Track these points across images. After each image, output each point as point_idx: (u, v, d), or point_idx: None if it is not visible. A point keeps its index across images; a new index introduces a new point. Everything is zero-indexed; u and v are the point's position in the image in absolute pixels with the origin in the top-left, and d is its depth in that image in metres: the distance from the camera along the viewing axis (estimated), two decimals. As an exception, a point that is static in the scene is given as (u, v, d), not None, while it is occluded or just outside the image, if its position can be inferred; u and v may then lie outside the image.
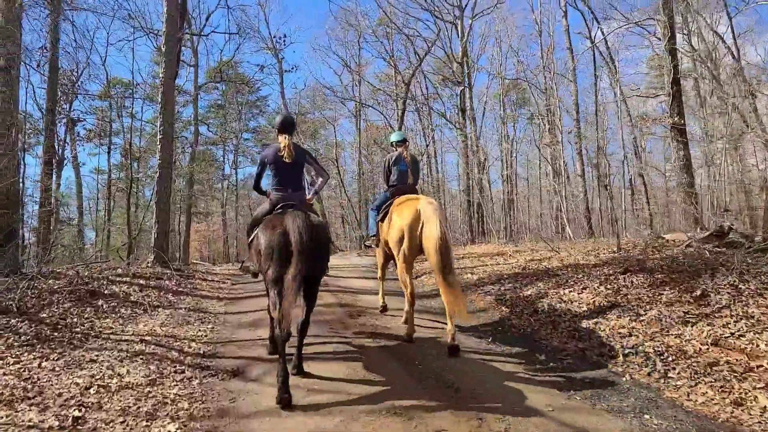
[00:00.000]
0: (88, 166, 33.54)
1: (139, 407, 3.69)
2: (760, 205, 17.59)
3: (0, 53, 7.66)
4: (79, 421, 3.43)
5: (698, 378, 4.01)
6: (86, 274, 8.81)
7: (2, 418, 3.42)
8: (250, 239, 5.09)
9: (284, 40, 29.11)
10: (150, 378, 4.34)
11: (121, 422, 3.43)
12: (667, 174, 30.83)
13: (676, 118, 13.70)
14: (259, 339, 5.71)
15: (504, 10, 28.05)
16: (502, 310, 6.91)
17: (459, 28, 24.50)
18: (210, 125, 34.91)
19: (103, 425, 3.38)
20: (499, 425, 3.34)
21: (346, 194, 33.78)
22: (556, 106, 24.65)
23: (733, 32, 20.59)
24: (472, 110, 25.90)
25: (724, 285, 5.59)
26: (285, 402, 3.75)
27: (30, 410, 3.56)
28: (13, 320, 5.67)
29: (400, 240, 5.60)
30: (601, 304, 6.04)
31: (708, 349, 4.45)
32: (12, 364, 4.50)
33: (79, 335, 5.56)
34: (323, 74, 73.66)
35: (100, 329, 5.93)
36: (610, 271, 7.23)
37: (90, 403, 3.73)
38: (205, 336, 5.97)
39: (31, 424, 3.36)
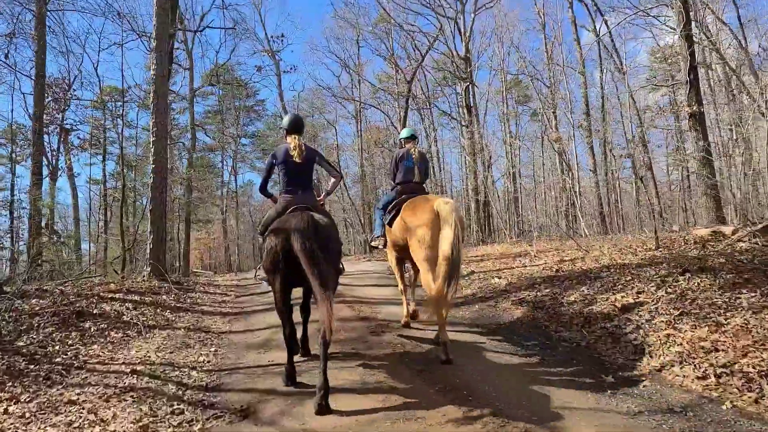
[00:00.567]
0: (84, 177, 32.57)
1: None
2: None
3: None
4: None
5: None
6: (75, 291, 8.01)
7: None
8: (261, 244, 4.91)
9: (282, 40, 28.29)
10: (141, 424, 3.51)
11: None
12: (669, 167, 30.26)
13: (695, 107, 13.02)
14: (271, 364, 4.89)
15: (504, 5, 27.44)
16: (543, 320, 6.07)
17: (462, 23, 23.83)
18: (207, 131, 34.11)
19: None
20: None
21: (349, 197, 32.97)
22: (567, 99, 23.83)
23: (739, 20, 19.87)
24: (475, 107, 25.21)
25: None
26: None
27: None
28: (-19, 352, 4.85)
29: (420, 243, 5.16)
30: (667, 312, 5.19)
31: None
32: (-29, 412, 3.68)
33: (60, 367, 4.74)
34: (322, 76, 72.88)
35: (85, 358, 5.11)
36: (664, 272, 6.39)
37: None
38: (208, 362, 5.14)
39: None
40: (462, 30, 23.85)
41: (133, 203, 27.05)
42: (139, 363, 4.96)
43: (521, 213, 32.25)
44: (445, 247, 4.74)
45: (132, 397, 4.05)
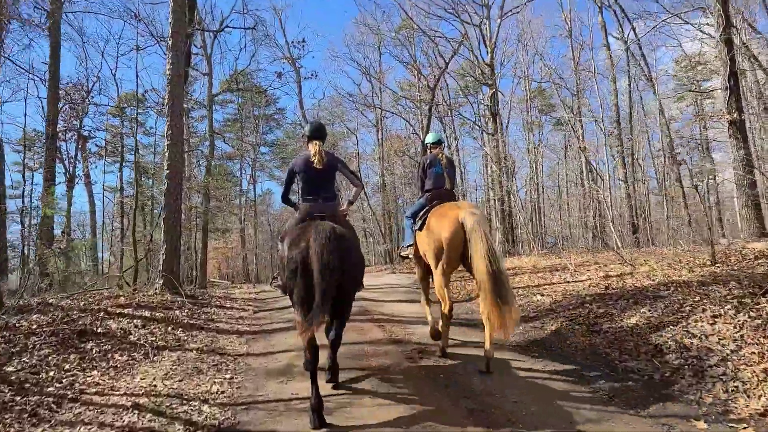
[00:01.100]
0: (100, 185, 32.29)
1: None
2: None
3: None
4: None
5: None
6: (82, 305, 7.40)
7: None
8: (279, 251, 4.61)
9: (303, 46, 27.78)
10: (137, 481, 2.81)
11: None
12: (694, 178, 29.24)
13: (735, 114, 12.25)
14: (295, 397, 4.16)
15: (529, 12, 26.75)
16: (603, 345, 5.26)
17: (487, 28, 23.17)
18: (226, 139, 33.71)
19: None
20: None
21: (369, 206, 32.35)
22: (598, 107, 23.00)
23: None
24: (499, 115, 24.48)
25: None
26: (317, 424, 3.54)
27: None
28: (-37, 379, 4.21)
29: (439, 252, 5.10)
30: (757, 341, 4.38)
31: None
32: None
33: (51, 399, 4.07)
34: (342, 84, 72.69)
35: (82, 387, 4.44)
36: (737, 292, 5.58)
37: None
38: (222, 392, 4.41)
39: None
40: (487, 36, 23.20)
41: (151, 212, 26.67)
42: (143, 394, 4.27)
43: (545, 224, 31.40)
44: (479, 263, 4.56)
45: (130, 440, 3.37)
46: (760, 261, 7.32)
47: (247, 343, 6.54)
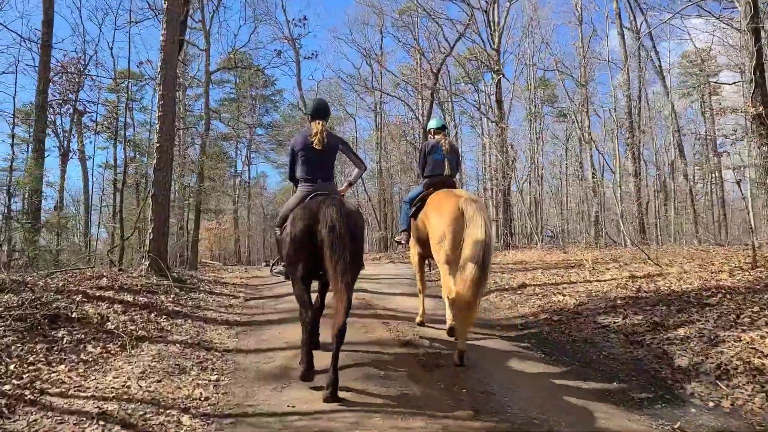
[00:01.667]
0: (95, 161, 31.27)
1: None
2: None
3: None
4: None
5: None
6: (61, 285, 6.76)
7: None
8: (279, 236, 4.60)
9: (304, 23, 26.95)
10: None
11: None
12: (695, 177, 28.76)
13: (760, 108, 11.66)
14: (292, 410, 3.53)
15: (536, -1, 26.03)
16: (650, 361, 4.57)
17: (494, 12, 22.48)
18: (222, 119, 32.91)
19: None
20: None
21: (365, 192, 31.77)
22: (609, 96, 22.38)
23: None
24: (501, 102, 23.81)
25: None
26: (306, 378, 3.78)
27: None
28: None
29: (441, 241, 4.91)
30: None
31: None
32: None
33: (4, 401, 3.44)
34: (342, 67, 71.79)
35: (45, 385, 3.81)
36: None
37: None
38: (206, 399, 3.77)
39: None
40: (493, 21, 22.50)
41: (144, 189, 25.94)
42: (113, 398, 3.63)
43: (545, 217, 30.87)
44: (471, 250, 4.38)
45: (91, 461, 2.75)
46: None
47: (237, 337, 5.92)
